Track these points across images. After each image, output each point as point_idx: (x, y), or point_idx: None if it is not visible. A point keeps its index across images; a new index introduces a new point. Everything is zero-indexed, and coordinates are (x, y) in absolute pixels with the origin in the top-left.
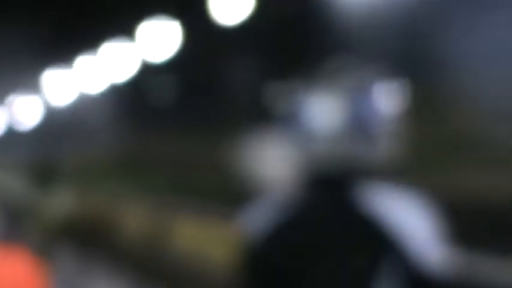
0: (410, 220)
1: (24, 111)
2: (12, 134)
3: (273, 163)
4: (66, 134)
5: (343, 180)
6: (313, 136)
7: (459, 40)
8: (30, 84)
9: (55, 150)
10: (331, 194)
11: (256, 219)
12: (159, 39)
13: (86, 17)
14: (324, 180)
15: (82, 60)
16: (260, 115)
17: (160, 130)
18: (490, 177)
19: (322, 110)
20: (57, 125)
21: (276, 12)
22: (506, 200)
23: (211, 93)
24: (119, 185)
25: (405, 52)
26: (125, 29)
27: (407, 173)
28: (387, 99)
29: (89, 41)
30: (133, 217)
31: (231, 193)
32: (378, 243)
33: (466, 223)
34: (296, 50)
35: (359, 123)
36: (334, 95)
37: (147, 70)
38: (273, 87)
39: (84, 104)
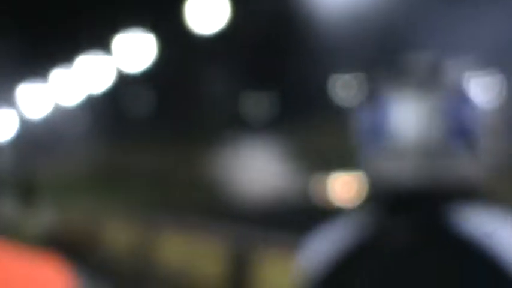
0: None
1: None
2: None
3: (254, 172)
4: (43, 148)
5: (437, 199)
6: (400, 148)
7: (437, 47)
8: (5, 97)
9: (32, 164)
10: (422, 215)
11: (323, 245)
12: (135, 50)
13: (61, 29)
14: (411, 199)
15: (57, 73)
16: (237, 125)
17: (137, 141)
18: None
19: (411, 117)
20: (34, 138)
21: (252, 22)
22: None
23: (187, 103)
24: (98, 199)
25: (383, 60)
26: (101, 41)
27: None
28: (484, 98)
29: (65, 53)
30: (115, 232)
31: (211, 205)
32: (486, 274)
33: None
34: (272, 60)
35: (458, 131)
36: (425, 98)
37: (123, 82)
38: (249, 97)
39: (60, 116)
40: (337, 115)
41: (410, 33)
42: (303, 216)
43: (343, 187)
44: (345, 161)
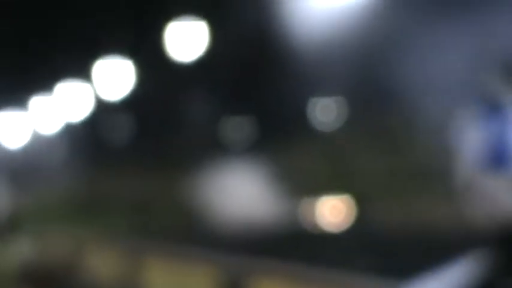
0: None
1: None
2: None
3: (237, 197)
4: (22, 176)
5: None
6: None
7: (416, 71)
8: None
9: (10, 194)
10: None
11: None
12: (114, 77)
13: (40, 56)
14: None
15: (36, 101)
16: (218, 150)
17: (118, 168)
18: (444, 208)
19: None
20: (12, 167)
21: (231, 48)
22: (457, 230)
23: (167, 129)
24: (78, 227)
25: (365, 86)
26: (80, 68)
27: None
28: None
29: (43, 81)
30: (98, 260)
31: (194, 231)
32: None
33: (420, 251)
34: (251, 84)
35: None
36: None
37: (103, 109)
38: (229, 122)
39: (39, 144)
40: (317, 139)
41: (389, 56)
42: (291, 241)
43: (331, 211)
44: (328, 185)
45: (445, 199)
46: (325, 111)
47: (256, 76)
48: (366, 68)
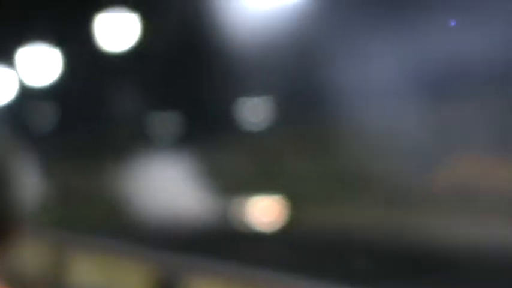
0: None
1: None
2: None
3: (164, 193)
4: None
5: None
6: None
7: (348, 75)
8: None
9: None
10: None
11: None
12: (39, 65)
13: None
14: None
15: None
16: (144, 144)
17: (41, 159)
18: (379, 213)
19: None
20: None
21: (162, 41)
22: (387, 236)
23: (93, 120)
24: None
25: (295, 87)
26: (3, 54)
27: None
28: None
29: None
30: (23, 252)
31: (119, 224)
32: None
33: (350, 254)
34: (181, 79)
35: None
36: None
37: (27, 96)
38: (157, 117)
39: None
40: (245, 138)
41: (323, 58)
42: (220, 239)
43: (263, 211)
44: (256, 185)
45: (373, 203)
46: (254, 111)
47: (186, 72)
48: (298, 69)
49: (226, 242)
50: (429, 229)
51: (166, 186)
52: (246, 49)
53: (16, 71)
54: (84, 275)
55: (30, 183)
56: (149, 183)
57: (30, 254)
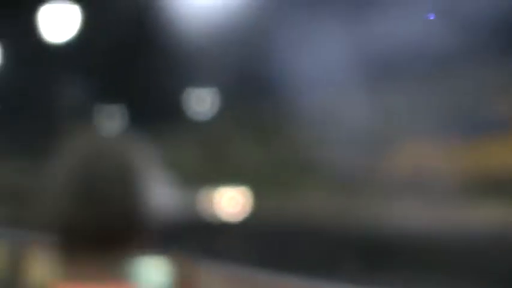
0: None
1: None
2: None
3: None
4: None
5: None
6: None
7: (294, 65)
8: None
9: None
10: None
11: None
12: None
13: None
14: None
15: None
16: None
17: None
18: (325, 201)
19: None
20: None
21: (105, 32)
22: (338, 224)
23: (35, 114)
24: None
25: (240, 75)
26: None
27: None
28: None
29: None
30: None
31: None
32: None
33: (302, 246)
34: (125, 71)
35: None
36: None
37: None
38: (100, 109)
39: None
40: (192, 129)
41: (267, 47)
42: (183, 230)
43: (226, 201)
44: (206, 175)
45: (321, 190)
46: (200, 102)
47: (131, 63)
48: (244, 60)
49: (181, 232)
50: (378, 214)
51: None
52: (193, 41)
53: None
54: (36, 270)
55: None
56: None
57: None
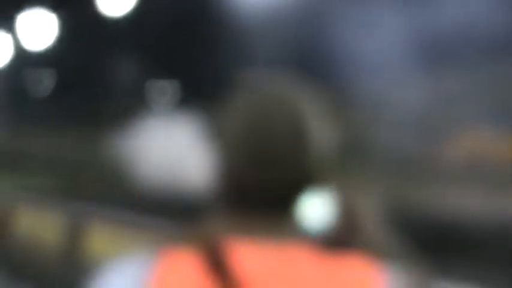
0: None
1: None
2: None
3: (165, 158)
4: None
5: None
6: None
7: (354, 45)
8: None
9: None
10: None
11: None
12: (38, 30)
13: None
14: None
15: None
16: (142, 111)
17: (39, 126)
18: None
19: None
20: None
21: (162, 9)
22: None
23: (91, 86)
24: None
25: (298, 54)
26: (2, 18)
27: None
28: None
29: None
30: (30, 221)
31: (119, 192)
32: None
33: None
34: (178, 47)
35: None
36: None
37: (24, 61)
38: (154, 84)
39: None
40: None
41: (326, 30)
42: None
43: None
44: None
45: (377, 175)
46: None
47: (188, 40)
48: (301, 40)
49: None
50: (437, 201)
51: (171, 152)
52: (249, 17)
53: (14, 35)
54: (96, 244)
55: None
56: (150, 148)
57: (37, 221)
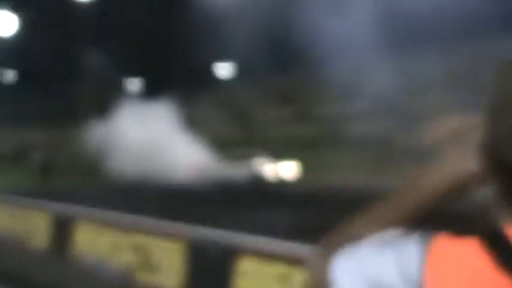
0: None
1: None
2: None
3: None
4: None
5: None
6: None
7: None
8: None
9: None
10: None
11: None
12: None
13: None
14: None
15: None
16: (115, 102)
17: (5, 117)
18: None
19: None
20: None
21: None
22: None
23: (64, 78)
24: None
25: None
26: None
27: None
28: None
29: None
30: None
31: (95, 183)
32: None
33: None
34: (153, 41)
35: None
36: None
37: None
38: (126, 77)
39: None
40: (218, 93)
41: (293, 12)
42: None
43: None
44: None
45: (348, 161)
46: (227, 70)
47: (163, 31)
48: (269, 27)
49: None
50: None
51: (152, 140)
52: (220, 14)
53: None
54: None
55: None
56: (129, 139)
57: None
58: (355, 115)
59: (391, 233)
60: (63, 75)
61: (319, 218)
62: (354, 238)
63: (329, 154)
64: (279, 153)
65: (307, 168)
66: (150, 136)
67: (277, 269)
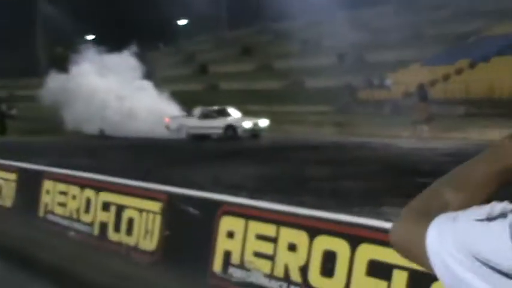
0: None
1: None
2: None
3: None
4: None
5: None
6: None
7: None
8: None
9: None
10: None
11: None
12: None
13: None
14: None
15: None
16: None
17: None
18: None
19: None
20: None
21: None
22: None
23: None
24: None
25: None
26: None
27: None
28: None
29: None
30: None
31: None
32: None
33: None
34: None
35: None
36: None
37: None
38: (94, 31)
39: None
40: (180, 55)
41: None
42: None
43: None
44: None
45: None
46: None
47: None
48: None
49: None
50: (372, 137)
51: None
52: None
53: None
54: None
55: None
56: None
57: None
58: (317, 69)
59: (498, 205)
60: (22, 29)
61: (283, 172)
62: (445, 206)
63: (293, 107)
64: (242, 107)
65: (272, 121)
66: (111, 88)
67: (260, 227)
